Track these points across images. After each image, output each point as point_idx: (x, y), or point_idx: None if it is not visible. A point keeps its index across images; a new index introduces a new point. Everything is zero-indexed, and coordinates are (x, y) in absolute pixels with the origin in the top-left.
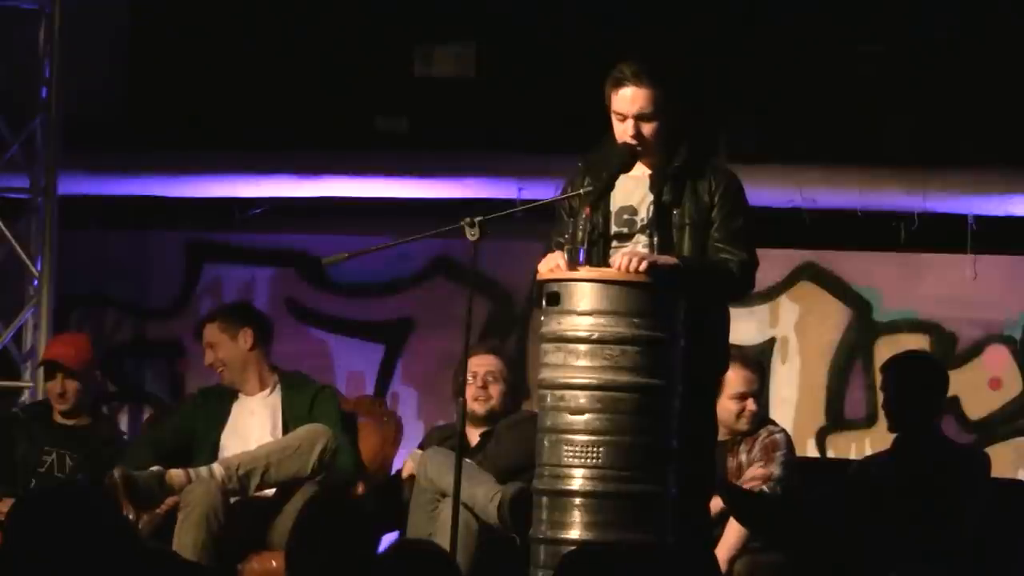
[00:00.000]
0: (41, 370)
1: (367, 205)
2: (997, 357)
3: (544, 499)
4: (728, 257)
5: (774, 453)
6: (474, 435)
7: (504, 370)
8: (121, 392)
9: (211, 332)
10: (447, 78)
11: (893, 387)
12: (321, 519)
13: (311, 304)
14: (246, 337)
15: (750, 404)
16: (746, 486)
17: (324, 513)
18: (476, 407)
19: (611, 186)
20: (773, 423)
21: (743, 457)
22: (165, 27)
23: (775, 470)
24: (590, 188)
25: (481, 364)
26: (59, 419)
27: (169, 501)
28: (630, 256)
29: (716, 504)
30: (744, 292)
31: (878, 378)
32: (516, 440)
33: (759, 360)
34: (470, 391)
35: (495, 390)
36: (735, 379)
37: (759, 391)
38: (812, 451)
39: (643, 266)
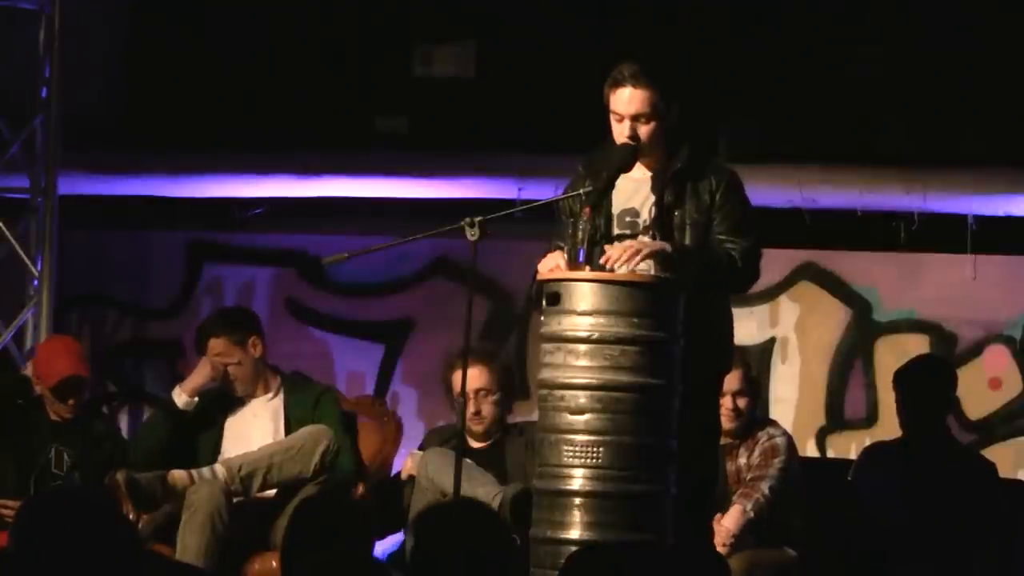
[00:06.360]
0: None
1: (367, 205)
2: (997, 357)
3: (544, 499)
4: (731, 247)
5: (773, 459)
6: (475, 443)
7: (495, 379)
8: (121, 392)
9: (221, 346)
10: (447, 78)
11: (904, 399)
12: (314, 519)
13: (311, 304)
14: (255, 344)
15: (727, 402)
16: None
17: (317, 513)
18: (471, 425)
19: (611, 187)
20: (775, 425)
21: (742, 461)
22: (165, 27)
23: (770, 473)
24: (590, 189)
25: (471, 382)
26: (55, 416)
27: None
28: (621, 250)
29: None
30: (748, 281)
31: (878, 378)
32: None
33: (743, 358)
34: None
35: (487, 408)
36: None
37: (744, 390)
38: (812, 451)
39: (633, 263)
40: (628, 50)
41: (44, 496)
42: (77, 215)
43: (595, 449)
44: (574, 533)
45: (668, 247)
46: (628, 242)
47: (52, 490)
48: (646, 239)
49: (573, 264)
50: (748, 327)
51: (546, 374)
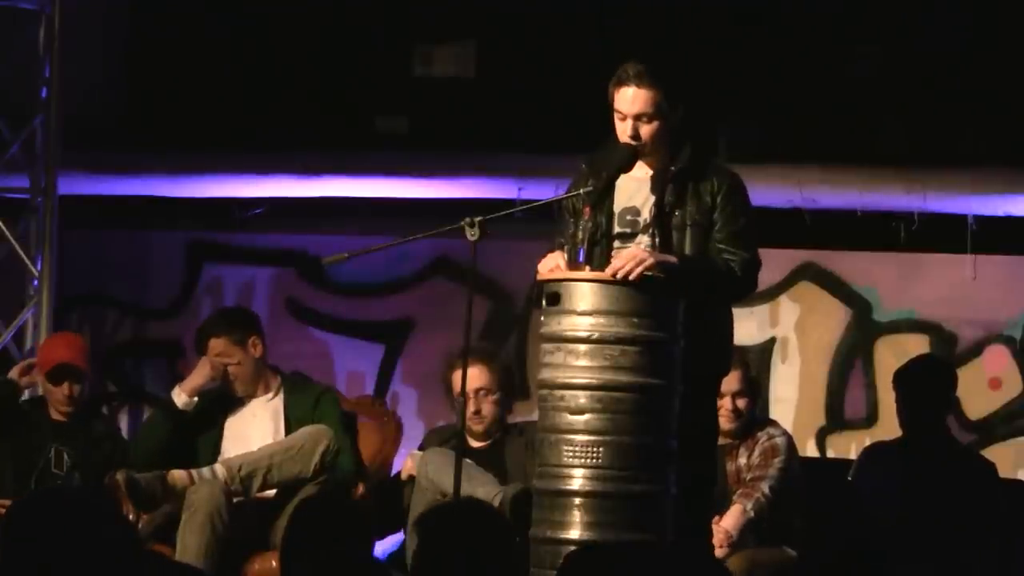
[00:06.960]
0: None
1: (367, 205)
2: (997, 357)
3: (544, 499)
4: (730, 257)
5: (773, 459)
6: (475, 443)
7: (495, 379)
8: (121, 392)
9: (221, 346)
10: (447, 78)
11: (904, 399)
12: (314, 519)
13: (311, 304)
14: (255, 344)
15: (727, 403)
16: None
17: (317, 513)
18: (472, 425)
19: (611, 186)
20: (775, 425)
21: (742, 461)
22: (165, 27)
23: (770, 473)
24: (590, 188)
25: (471, 381)
26: (55, 416)
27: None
28: (626, 260)
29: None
30: (746, 292)
31: (878, 378)
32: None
33: (742, 358)
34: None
35: (488, 407)
36: None
37: (743, 390)
38: (812, 451)
39: (635, 274)
40: (628, 50)
41: (35, 496)
42: (77, 215)
43: (595, 449)
44: (574, 533)
45: (673, 259)
46: (633, 251)
47: (44, 490)
48: (645, 241)
49: (573, 264)
50: (748, 327)
51: (546, 374)
